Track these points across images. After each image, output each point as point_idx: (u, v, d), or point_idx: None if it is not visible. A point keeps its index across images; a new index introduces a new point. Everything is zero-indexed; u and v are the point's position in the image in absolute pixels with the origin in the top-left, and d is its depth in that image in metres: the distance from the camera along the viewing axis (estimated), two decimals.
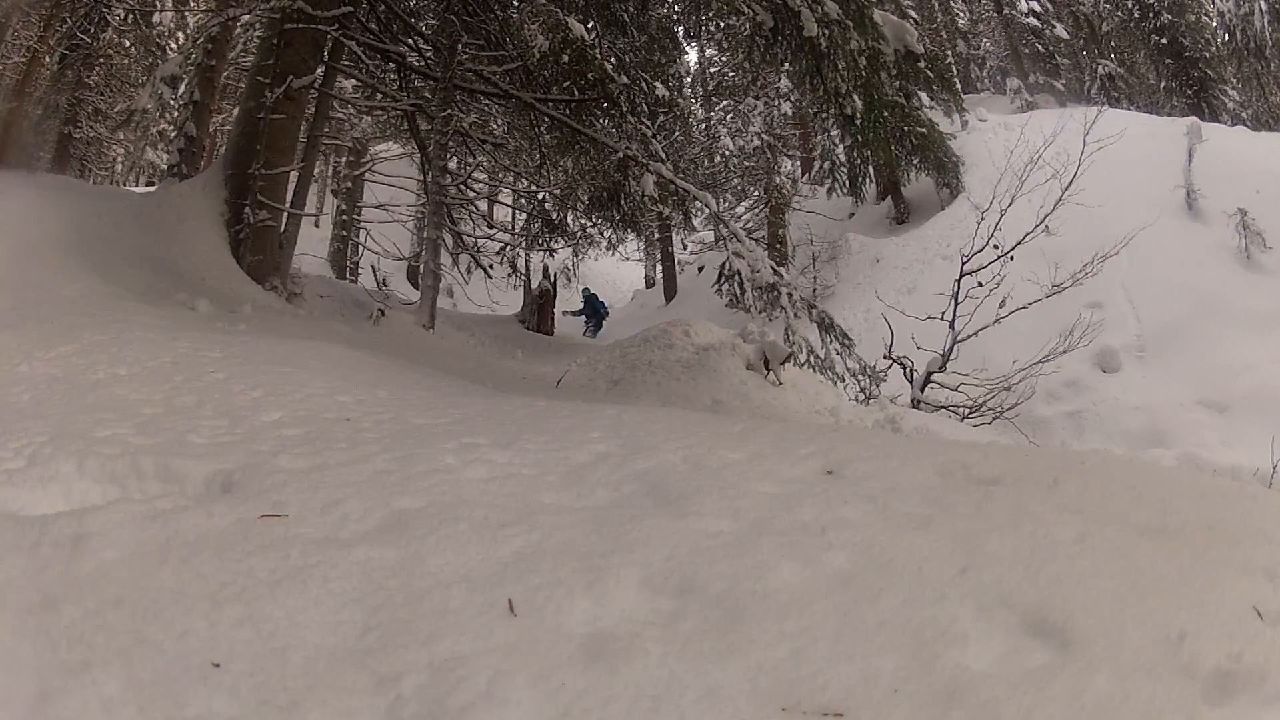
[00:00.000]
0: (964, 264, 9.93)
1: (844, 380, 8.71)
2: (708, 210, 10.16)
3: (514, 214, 19.53)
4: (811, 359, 8.50)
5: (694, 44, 20.06)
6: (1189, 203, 13.95)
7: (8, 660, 1.68)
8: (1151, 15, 22.92)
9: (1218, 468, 8.31)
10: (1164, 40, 22.98)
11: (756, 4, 7.28)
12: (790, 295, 8.68)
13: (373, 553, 2.13)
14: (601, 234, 15.23)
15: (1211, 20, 23.82)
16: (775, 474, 2.80)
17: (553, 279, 16.82)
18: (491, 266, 14.63)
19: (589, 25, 9.91)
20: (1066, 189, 10.32)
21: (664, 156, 10.20)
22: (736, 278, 8.82)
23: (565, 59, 9.54)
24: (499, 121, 13.51)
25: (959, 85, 17.36)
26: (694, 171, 18.56)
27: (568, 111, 10.14)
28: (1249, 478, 7.26)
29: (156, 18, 14.56)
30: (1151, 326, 12.23)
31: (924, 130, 7.97)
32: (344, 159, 20.77)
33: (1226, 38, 23.38)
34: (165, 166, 12.81)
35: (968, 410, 9.27)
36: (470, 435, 3.22)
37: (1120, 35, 24.35)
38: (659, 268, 26.02)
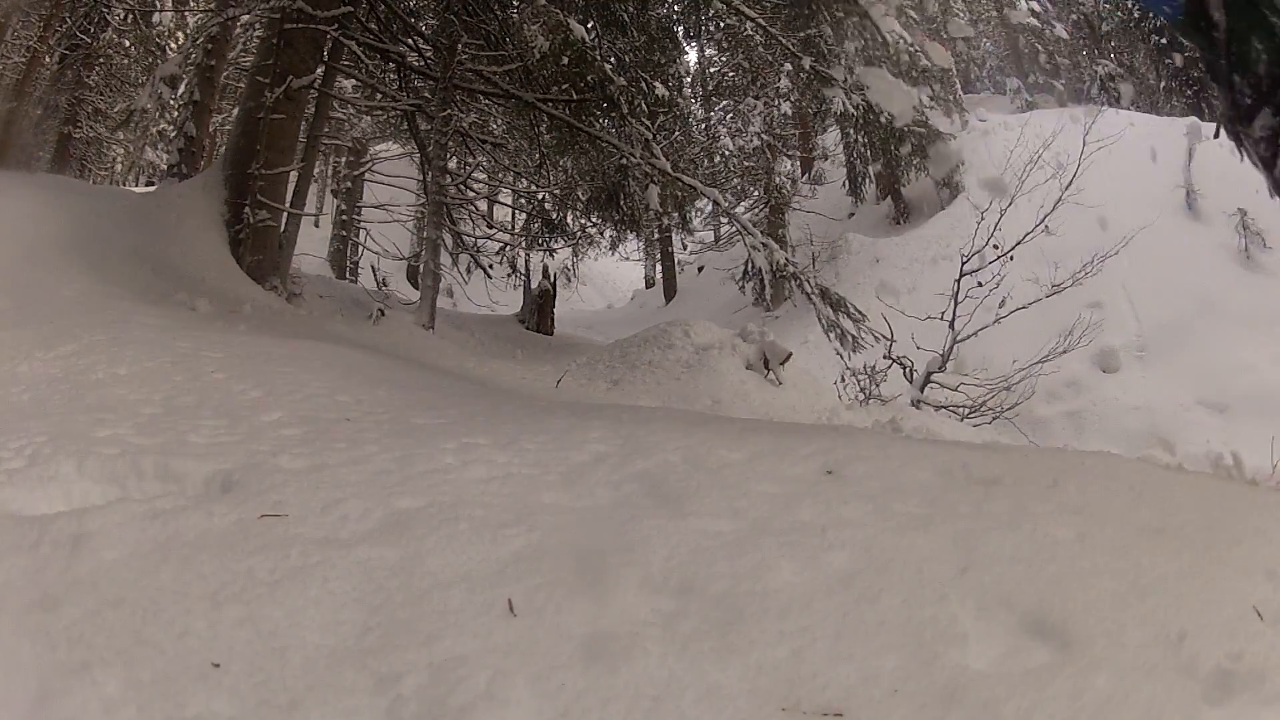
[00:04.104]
0: (964, 264, 9.92)
1: (862, 348, 8.80)
2: (707, 210, 10.22)
3: (514, 214, 19.53)
4: (846, 340, 8.64)
5: (694, 44, 20.07)
6: (1189, 203, 13.95)
7: (8, 660, 1.68)
8: (1151, 15, 22.90)
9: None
10: (1164, 40, 22.97)
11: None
12: (808, 283, 8.78)
13: (373, 553, 2.13)
14: (602, 234, 15.23)
15: None
16: (775, 474, 2.80)
17: (553, 279, 16.80)
18: (491, 266, 14.62)
19: (589, 25, 9.91)
20: (1066, 189, 10.32)
21: (665, 159, 10.22)
22: (758, 272, 8.89)
23: (565, 60, 9.55)
24: (499, 121, 13.50)
25: (959, 89, 17.36)
26: (694, 171, 18.54)
27: (568, 111, 10.14)
28: (1248, 477, 7.25)
29: (156, 18, 14.55)
30: (1151, 326, 12.23)
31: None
32: (344, 159, 20.76)
33: None
34: (165, 166, 12.80)
35: (968, 410, 9.26)
36: (470, 435, 3.22)
37: (1120, 35, 24.35)
38: (659, 268, 25.99)
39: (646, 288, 28.46)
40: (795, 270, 8.84)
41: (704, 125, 20.91)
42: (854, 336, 8.70)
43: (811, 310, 9.06)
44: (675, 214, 11.44)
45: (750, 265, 9.08)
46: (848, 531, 2.26)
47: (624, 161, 9.60)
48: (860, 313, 8.93)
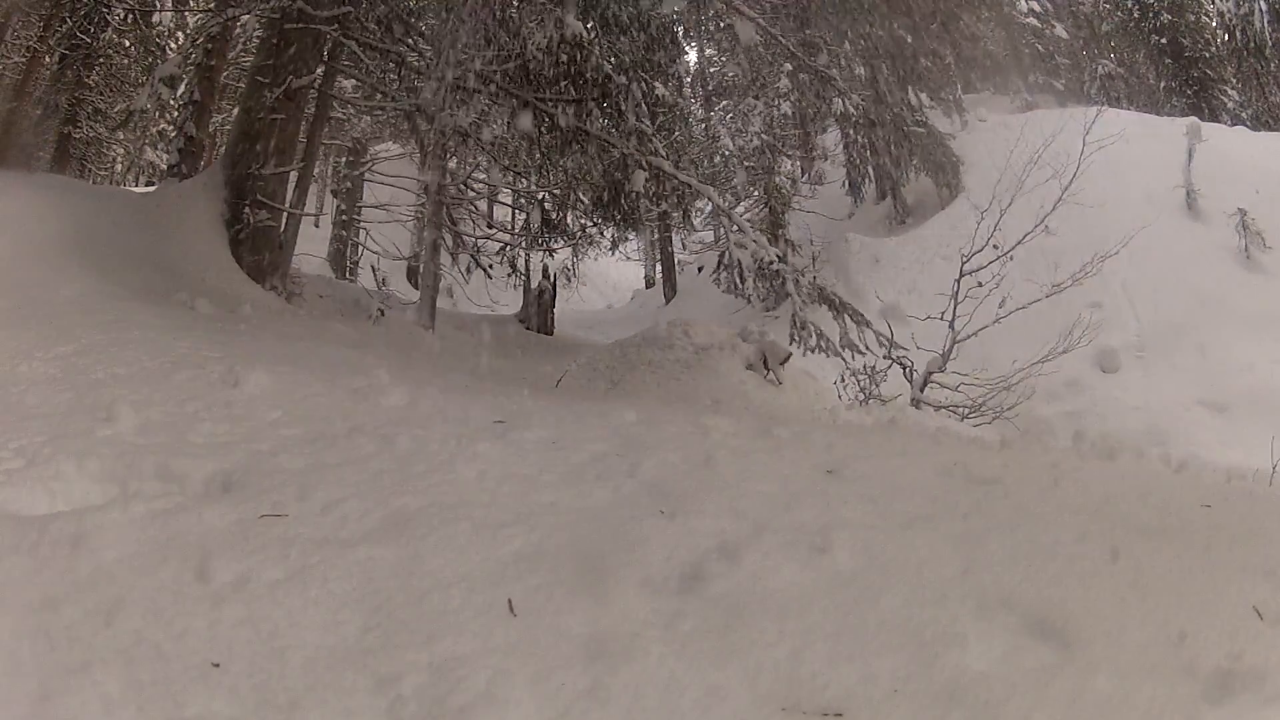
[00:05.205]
0: (964, 264, 9.91)
1: (865, 353, 8.69)
2: (708, 209, 10.22)
3: (514, 214, 19.51)
4: (822, 343, 8.53)
5: (694, 44, 20.07)
6: (1189, 203, 13.95)
7: (8, 660, 1.68)
8: (1151, 15, 22.92)
9: (1218, 468, 8.31)
10: (1164, 40, 22.98)
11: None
12: (798, 281, 8.71)
13: (373, 553, 2.13)
14: (602, 234, 15.22)
15: (1211, 20, 23.81)
16: (775, 474, 2.80)
17: (553, 279, 16.80)
18: (491, 266, 14.62)
19: (589, 25, 9.91)
20: (1066, 189, 10.31)
21: (663, 153, 10.21)
22: (737, 266, 8.84)
23: (564, 58, 9.55)
24: (498, 121, 13.49)
25: (959, 89, 17.34)
26: (694, 172, 18.52)
27: (566, 110, 10.14)
28: (1249, 478, 7.26)
29: (156, 18, 14.53)
30: (1151, 326, 12.23)
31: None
32: (344, 159, 20.75)
33: (1226, 38, 23.36)
34: (165, 166, 12.78)
35: (968, 410, 9.26)
36: (470, 435, 3.22)
37: (1120, 35, 24.34)
38: (659, 268, 25.99)
39: (646, 288, 28.45)
40: (783, 270, 8.78)
41: (704, 125, 20.92)
42: (853, 336, 8.64)
43: (813, 311, 9.01)
44: (678, 211, 11.45)
45: (728, 258, 9.02)
46: (848, 531, 2.26)
47: (623, 151, 9.60)
48: (861, 315, 8.91)
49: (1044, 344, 9.73)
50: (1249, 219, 13.06)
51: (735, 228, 9.08)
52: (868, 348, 8.70)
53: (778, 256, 8.95)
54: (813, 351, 8.36)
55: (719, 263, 9.21)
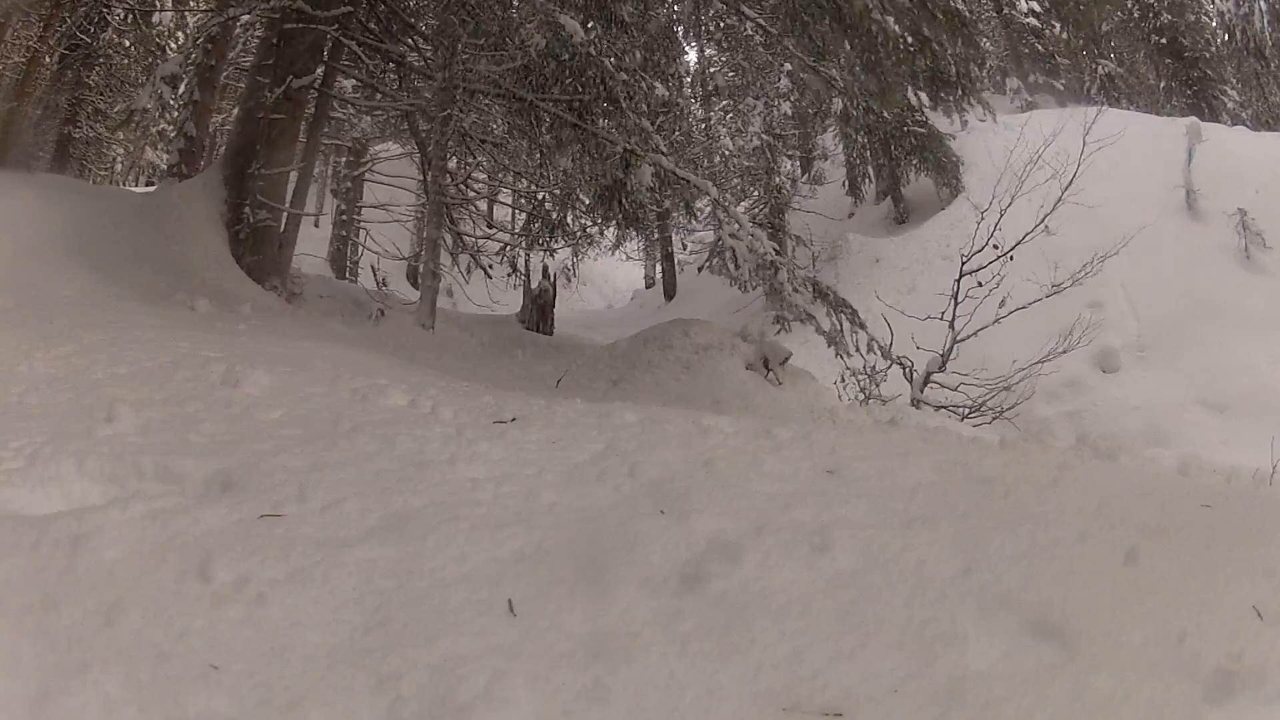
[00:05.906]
0: (964, 264, 9.92)
1: (851, 355, 8.71)
2: (707, 211, 10.22)
3: (514, 214, 19.51)
4: (801, 319, 8.57)
5: (694, 44, 20.06)
6: (1189, 203, 13.95)
7: (8, 660, 1.68)
8: (1151, 15, 22.92)
9: (1218, 468, 8.31)
10: (1164, 40, 22.99)
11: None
12: (791, 273, 8.72)
13: (373, 552, 2.13)
14: (603, 233, 15.21)
15: (1211, 20, 23.82)
16: (775, 474, 2.80)
17: (553, 279, 16.78)
18: (491, 266, 14.61)
19: (589, 26, 9.92)
20: (1066, 189, 10.31)
21: (665, 150, 10.23)
22: (730, 253, 8.87)
23: (566, 56, 9.57)
24: (499, 121, 13.49)
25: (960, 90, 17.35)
26: (693, 171, 18.49)
27: (567, 108, 10.15)
28: (1248, 478, 7.26)
29: (156, 18, 14.52)
30: (1151, 326, 12.23)
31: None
32: (344, 159, 20.74)
33: (1226, 38, 23.38)
34: (165, 166, 12.78)
35: (968, 410, 9.26)
36: (471, 435, 3.22)
37: (1120, 35, 24.34)
38: (659, 268, 25.98)
39: (646, 288, 28.42)
40: (777, 263, 8.78)
41: (704, 125, 20.91)
42: (845, 335, 8.65)
43: (810, 308, 9.00)
44: (681, 206, 11.45)
45: (720, 245, 9.09)
46: (848, 531, 2.26)
47: (625, 148, 9.59)
48: (857, 314, 8.92)
49: (1044, 344, 9.74)
50: (1249, 219, 13.07)
51: (732, 221, 9.10)
52: (857, 349, 8.72)
53: (774, 249, 8.96)
54: (799, 323, 8.42)
55: (711, 251, 9.31)
